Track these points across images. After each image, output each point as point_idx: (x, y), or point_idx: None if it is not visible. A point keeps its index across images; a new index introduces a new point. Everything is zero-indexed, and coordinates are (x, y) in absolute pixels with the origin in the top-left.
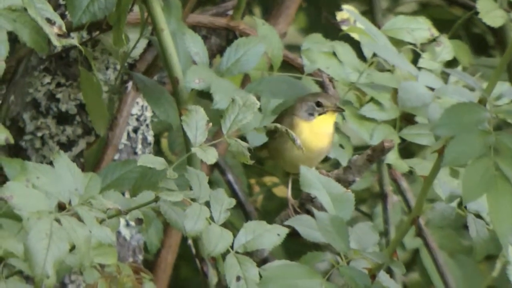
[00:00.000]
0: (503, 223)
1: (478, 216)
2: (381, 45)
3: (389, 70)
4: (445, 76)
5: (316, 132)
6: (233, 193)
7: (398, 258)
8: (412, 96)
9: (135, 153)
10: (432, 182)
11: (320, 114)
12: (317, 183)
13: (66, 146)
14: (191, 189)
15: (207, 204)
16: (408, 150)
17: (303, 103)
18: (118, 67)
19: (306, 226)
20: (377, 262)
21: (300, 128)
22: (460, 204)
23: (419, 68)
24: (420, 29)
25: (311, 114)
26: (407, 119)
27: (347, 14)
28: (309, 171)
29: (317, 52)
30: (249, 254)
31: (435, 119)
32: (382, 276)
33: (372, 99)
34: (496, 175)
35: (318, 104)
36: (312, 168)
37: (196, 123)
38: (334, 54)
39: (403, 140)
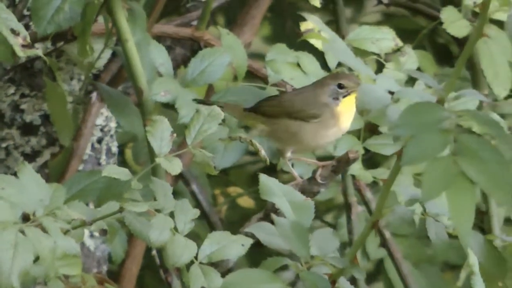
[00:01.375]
0: (463, 222)
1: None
2: (341, 50)
3: None
4: (410, 86)
5: (344, 114)
6: (197, 204)
7: (359, 263)
8: (371, 99)
9: (99, 164)
10: (391, 184)
11: (344, 97)
12: (277, 190)
13: (30, 156)
14: (155, 199)
15: (172, 214)
16: (372, 160)
17: (324, 88)
18: (83, 77)
19: (267, 233)
20: (338, 267)
21: (337, 115)
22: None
23: None
24: (385, 39)
25: (336, 98)
26: (371, 129)
27: (311, 24)
28: (269, 180)
29: (282, 63)
30: (214, 264)
31: (394, 120)
32: (343, 282)
33: None
34: (456, 173)
35: (340, 86)
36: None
37: (161, 133)
38: (299, 64)
39: (367, 150)
